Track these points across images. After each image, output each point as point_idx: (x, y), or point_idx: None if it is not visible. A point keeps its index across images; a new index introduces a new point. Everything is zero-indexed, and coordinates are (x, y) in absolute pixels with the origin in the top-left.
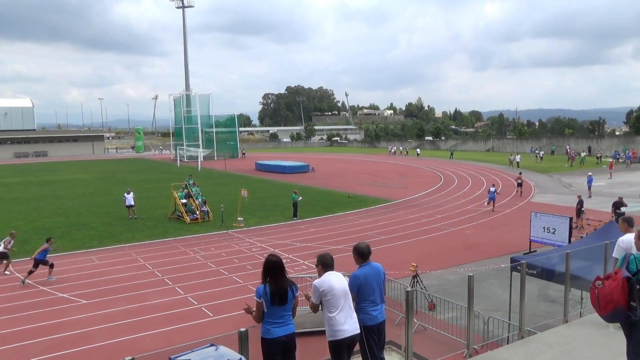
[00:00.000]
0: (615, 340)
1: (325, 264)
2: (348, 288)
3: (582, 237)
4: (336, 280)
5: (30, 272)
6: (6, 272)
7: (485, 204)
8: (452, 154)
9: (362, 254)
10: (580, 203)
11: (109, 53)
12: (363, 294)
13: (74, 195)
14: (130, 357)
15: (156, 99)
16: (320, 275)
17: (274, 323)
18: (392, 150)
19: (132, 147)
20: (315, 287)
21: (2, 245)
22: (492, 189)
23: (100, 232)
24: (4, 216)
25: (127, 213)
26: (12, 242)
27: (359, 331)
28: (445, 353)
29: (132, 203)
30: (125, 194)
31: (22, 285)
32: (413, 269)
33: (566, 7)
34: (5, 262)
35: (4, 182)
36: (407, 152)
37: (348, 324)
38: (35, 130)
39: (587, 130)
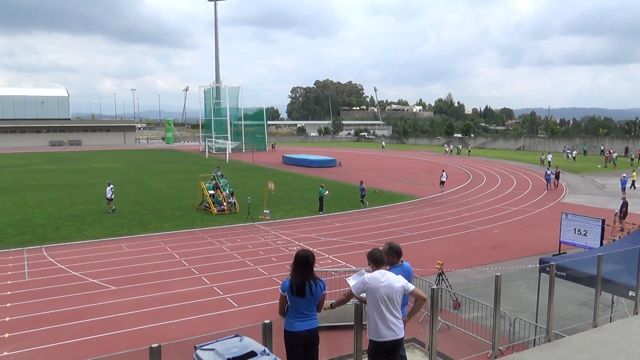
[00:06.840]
0: None
1: (374, 259)
2: (398, 292)
3: (614, 239)
4: (383, 283)
5: None
6: None
7: (546, 185)
8: (459, 150)
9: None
10: (624, 205)
11: (141, 45)
12: None
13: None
14: (156, 344)
15: (187, 90)
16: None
17: (297, 317)
18: (449, 149)
19: (163, 138)
20: (363, 281)
21: None
22: (549, 172)
23: (130, 221)
24: (39, 202)
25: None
26: None
27: (389, 339)
28: (469, 353)
29: (108, 196)
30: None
31: None
32: (439, 266)
33: (600, 4)
34: None
35: (40, 169)
36: (468, 151)
37: (383, 329)
38: (70, 119)
39: (623, 130)
